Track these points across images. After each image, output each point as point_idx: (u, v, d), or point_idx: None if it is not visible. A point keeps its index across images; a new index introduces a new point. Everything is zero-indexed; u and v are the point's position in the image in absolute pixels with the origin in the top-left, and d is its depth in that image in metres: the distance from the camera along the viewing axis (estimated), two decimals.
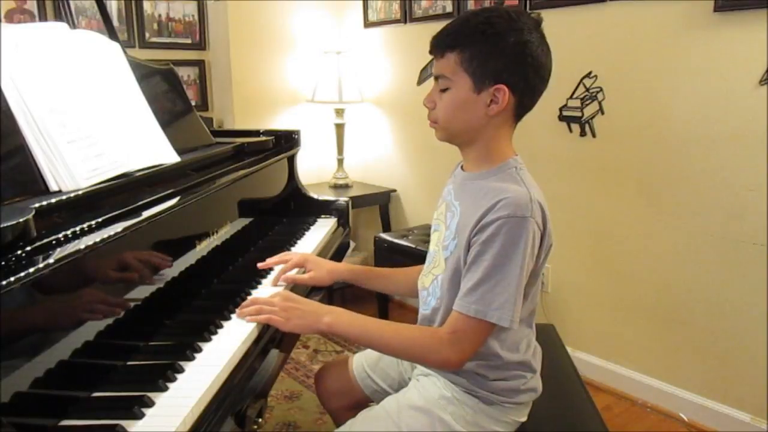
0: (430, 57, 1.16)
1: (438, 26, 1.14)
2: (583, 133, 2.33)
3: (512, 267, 1.03)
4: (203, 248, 1.28)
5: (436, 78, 1.13)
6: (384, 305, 3.00)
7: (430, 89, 1.16)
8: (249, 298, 1.21)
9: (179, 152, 1.30)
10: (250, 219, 1.57)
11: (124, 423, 0.79)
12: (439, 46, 1.11)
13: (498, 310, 1.03)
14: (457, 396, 1.17)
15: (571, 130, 2.37)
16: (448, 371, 1.17)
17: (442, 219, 1.20)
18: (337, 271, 1.40)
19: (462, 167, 1.20)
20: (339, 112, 3.26)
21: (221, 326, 1.10)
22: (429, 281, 1.21)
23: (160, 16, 3.56)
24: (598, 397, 2.22)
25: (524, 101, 1.11)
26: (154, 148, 1.24)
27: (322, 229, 1.78)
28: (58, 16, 2.99)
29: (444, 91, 1.11)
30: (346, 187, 3.29)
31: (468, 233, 1.07)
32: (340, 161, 3.34)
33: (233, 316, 1.15)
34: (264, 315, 1.12)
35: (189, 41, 3.64)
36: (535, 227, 1.05)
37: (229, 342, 1.04)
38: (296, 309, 1.14)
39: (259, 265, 1.37)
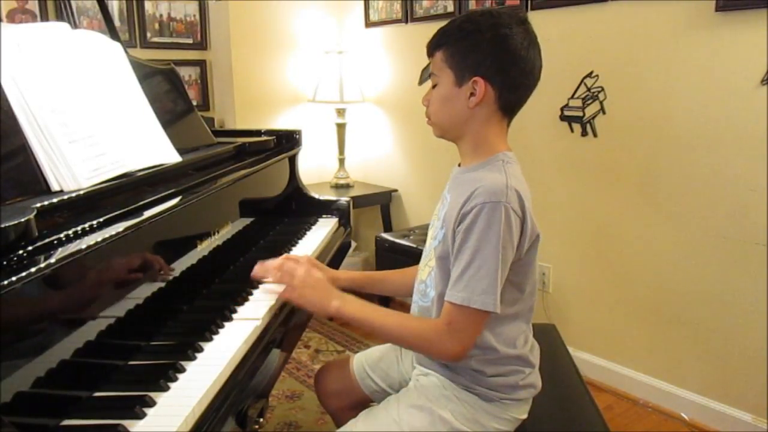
0: None
1: (439, 26, 1.17)
2: (584, 133, 2.33)
3: (491, 252, 1.05)
4: (204, 248, 1.28)
5: (430, 76, 1.19)
6: (385, 304, 2.99)
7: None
8: (283, 256, 1.28)
9: (180, 152, 1.30)
10: (252, 219, 1.57)
11: (125, 423, 0.79)
12: (430, 46, 1.17)
13: (482, 296, 1.05)
14: (456, 394, 1.18)
15: (572, 130, 2.37)
16: (449, 364, 1.18)
17: (437, 213, 1.24)
18: (338, 281, 1.38)
19: (459, 164, 1.23)
20: (340, 112, 3.26)
21: (222, 326, 1.10)
22: (426, 274, 1.23)
23: (161, 16, 3.56)
24: (600, 397, 2.22)
25: (506, 94, 1.13)
26: (155, 148, 1.24)
27: (323, 229, 1.78)
28: (59, 16, 2.99)
29: (435, 88, 1.17)
30: (348, 186, 3.29)
31: (452, 223, 1.11)
32: (342, 161, 3.34)
33: (234, 315, 1.15)
34: (285, 283, 1.20)
35: (190, 41, 3.64)
36: (512, 213, 1.06)
37: (230, 341, 1.04)
38: (312, 287, 1.19)
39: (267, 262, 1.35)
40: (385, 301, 2.97)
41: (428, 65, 1.20)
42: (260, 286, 1.31)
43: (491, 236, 1.04)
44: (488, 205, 1.05)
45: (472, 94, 1.11)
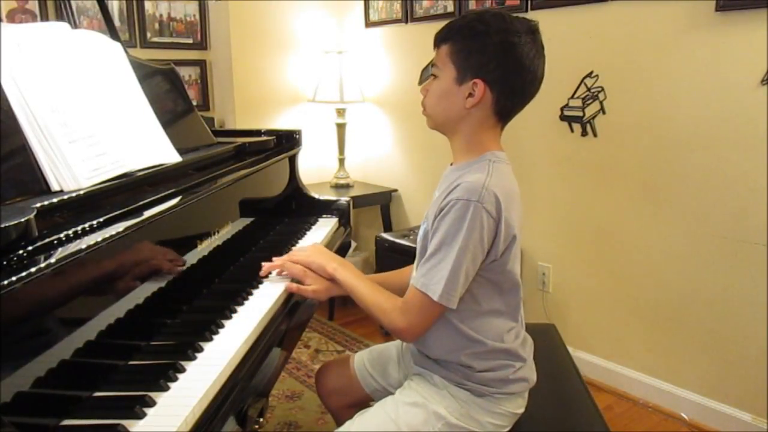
0: (431, 57, 1.20)
1: (439, 26, 1.18)
2: (584, 133, 2.33)
3: (454, 247, 1.08)
4: (204, 248, 1.28)
5: (432, 66, 1.20)
6: None
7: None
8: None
9: (180, 152, 1.30)
10: (252, 219, 1.57)
11: (125, 423, 0.79)
12: (438, 38, 1.18)
13: (437, 286, 1.09)
14: (449, 390, 1.20)
15: (572, 130, 2.37)
16: (440, 360, 1.21)
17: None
18: (335, 290, 1.36)
19: (451, 163, 1.25)
20: (340, 112, 3.26)
21: (223, 326, 1.10)
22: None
23: (161, 15, 3.56)
24: (600, 397, 2.22)
25: (503, 100, 1.14)
26: (155, 148, 1.24)
27: (323, 229, 1.78)
28: (59, 16, 2.99)
29: (435, 80, 1.18)
30: (347, 186, 3.29)
31: (432, 218, 1.14)
32: (341, 161, 3.34)
33: (235, 315, 1.15)
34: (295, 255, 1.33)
35: (190, 41, 3.64)
36: (484, 213, 1.07)
37: (230, 341, 1.04)
38: (320, 252, 1.33)
39: (265, 266, 1.33)
40: None
41: (428, 65, 1.20)
42: (262, 283, 1.31)
43: (457, 232, 1.07)
44: (461, 202, 1.07)
45: (470, 95, 1.12)
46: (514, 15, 1.14)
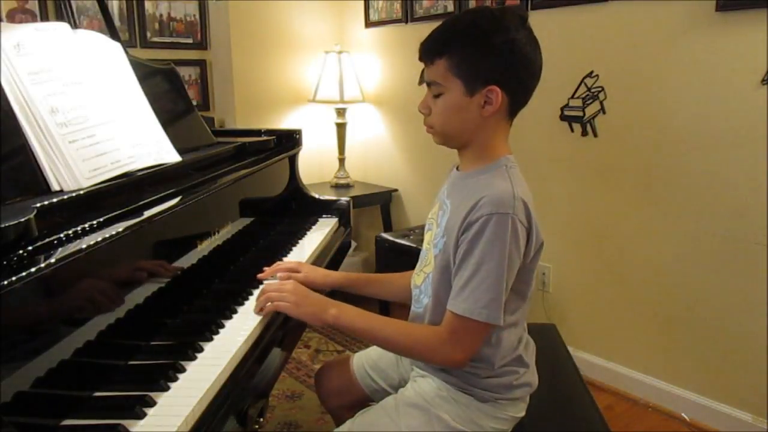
0: None
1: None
2: (584, 133, 2.33)
3: (496, 264, 1.03)
4: (205, 248, 1.28)
5: (429, 84, 1.13)
6: (385, 305, 2.99)
7: (425, 94, 1.16)
8: (260, 288, 1.23)
9: (180, 152, 1.30)
10: (252, 219, 1.57)
11: (125, 423, 0.79)
12: (428, 53, 1.11)
13: (485, 309, 1.04)
14: (452, 395, 1.18)
15: (572, 130, 2.37)
16: (449, 369, 1.18)
17: (434, 218, 1.22)
18: (332, 277, 1.39)
19: (457, 167, 1.21)
20: (340, 112, 3.26)
21: (223, 326, 1.10)
22: (421, 279, 1.22)
23: (161, 15, 3.56)
24: (600, 397, 2.22)
25: (517, 99, 1.11)
26: (155, 148, 1.24)
27: (323, 229, 1.78)
28: (59, 16, 2.99)
29: (437, 97, 1.12)
30: (348, 186, 3.29)
31: (456, 231, 1.08)
32: (342, 161, 3.34)
33: (235, 315, 1.15)
34: (274, 303, 1.15)
35: (190, 41, 3.64)
36: (519, 224, 1.05)
37: (230, 341, 1.04)
38: (306, 297, 1.17)
39: (260, 276, 1.34)
40: (385, 304, 2.98)
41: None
42: (263, 283, 1.30)
43: (497, 249, 1.03)
44: (495, 216, 1.03)
45: (486, 103, 1.08)
46: (495, 8, 1.11)
